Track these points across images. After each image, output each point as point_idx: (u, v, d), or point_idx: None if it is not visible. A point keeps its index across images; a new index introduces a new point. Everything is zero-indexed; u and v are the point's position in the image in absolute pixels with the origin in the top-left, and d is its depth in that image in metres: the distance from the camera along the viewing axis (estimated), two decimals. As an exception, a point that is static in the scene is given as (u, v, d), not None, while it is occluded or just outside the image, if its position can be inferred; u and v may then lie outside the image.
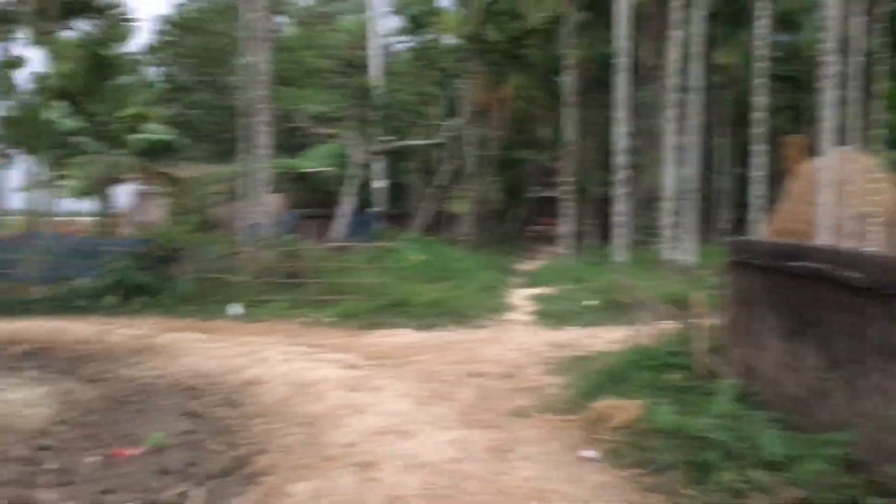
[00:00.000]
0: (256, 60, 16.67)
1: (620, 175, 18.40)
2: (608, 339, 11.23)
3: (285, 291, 14.98)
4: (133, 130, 17.22)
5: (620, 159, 18.42)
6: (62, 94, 16.13)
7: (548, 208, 40.29)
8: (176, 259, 15.75)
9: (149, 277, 15.38)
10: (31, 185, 27.83)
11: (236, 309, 14.54)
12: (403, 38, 27.89)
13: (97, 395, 8.15)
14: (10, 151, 24.53)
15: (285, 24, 41.81)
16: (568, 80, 19.99)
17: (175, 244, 15.72)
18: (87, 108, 16.19)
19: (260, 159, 16.61)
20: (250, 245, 16.25)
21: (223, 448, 6.35)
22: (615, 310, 13.65)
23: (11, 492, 5.38)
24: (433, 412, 7.47)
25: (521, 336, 11.91)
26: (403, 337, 11.98)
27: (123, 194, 36.50)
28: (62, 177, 33.79)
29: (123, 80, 16.41)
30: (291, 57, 23.91)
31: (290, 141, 34.39)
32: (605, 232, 28.57)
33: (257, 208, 17.05)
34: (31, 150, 22.43)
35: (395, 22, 31.55)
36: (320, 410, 7.49)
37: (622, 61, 18.52)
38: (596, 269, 19.40)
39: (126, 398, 8.07)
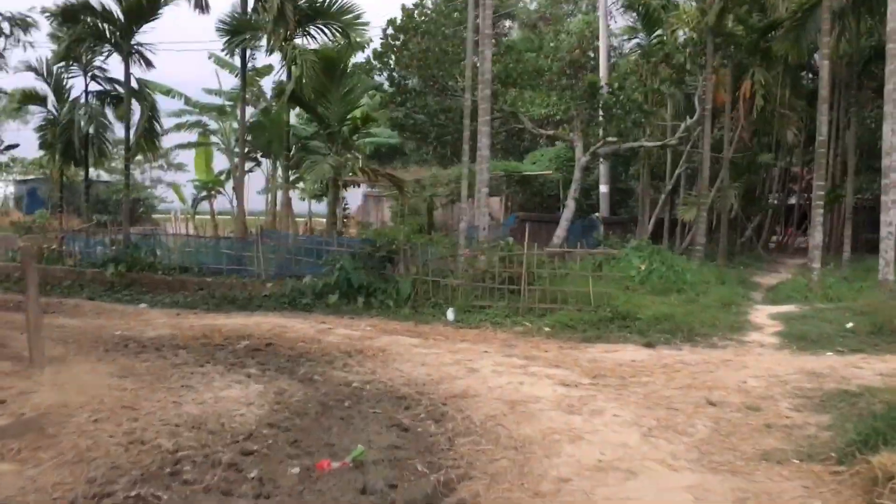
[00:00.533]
0: (482, 63, 16.37)
1: (889, 179, 15.83)
2: (880, 370, 9.43)
3: (502, 297, 14.47)
4: (359, 133, 17.65)
5: (890, 161, 15.85)
6: (296, 100, 16.89)
7: (791, 217, 36.80)
8: (395, 260, 15.82)
9: (370, 277, 15.57)
10: (270, 188, 30.11)
11: (452, 314, 14.27)
12: (633, 34, 26.51)
13: (308, 398, 8.02)
14: (254, 156, 26.58)
15: (511, 27, 42.03)
16: (823, 75, 17.61)
17: (396, 245, 15.79)
18: (319, 113, 16.78)
19: (481, 162, 16.27)
20: (468, 248, 15.95)
21: (427, 469, 5.81)
22: (885, 335, 11.58)
23: (213, 498, 5.20)
24: (663, 447, 6.45)
25: (766, 360, 10.36)
26: (627, 353, 10.91)
27: (353, 196, 38.85)
28: (298, 179, 36.34)
29: (353, 83, 16.80)
30: (517, 59, 23.59)
31: (515, 144, 34.37)
32: (864, 244, 25.27)
33: (478, 211, 16.75)
34: (272, 154, 24.09)
35: (624, 20, 30.27)
36: (533, 433, 6.74)
37: (893, 48, 15.93)
38: (855, 286, 16.91)
39: (336, 402, 7.86)
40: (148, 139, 20.87)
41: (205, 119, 27.87)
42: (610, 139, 21.69)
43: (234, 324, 13.48)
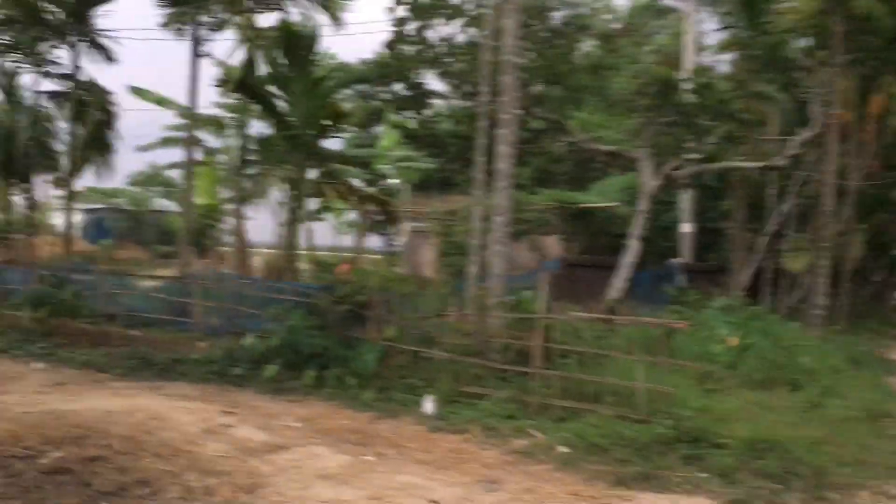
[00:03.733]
0: (505, 45, 11.79)
1: None
2: None
3: (505, 382, 9.68)
4: (329, 135, 13.17)
5: None
6: (247, 91, 12.58)
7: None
8: (367, 316, 11.24)
9: (326, 341, 11.06)
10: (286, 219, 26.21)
11: (431, 404, 9.57)
12: (728, 32, 21.27)
13: None
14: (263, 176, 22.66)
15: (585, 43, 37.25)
16: None
17: (365, 294, 11.22)
18: (277, 109, 12.49)
19: (500, 180, 11.60)
20: (470, 303, 11.23)
21: None
22: None
23: None
24: None
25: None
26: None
27: (402, 233, 34.56)
28: (325, 208, 32.33)
29: (326, 72, 12.53)
30: (583, 76, 19.13)
31: (579, 173, 29.39)
32: None
33: (491, 250, 11.99)
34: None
35: (716, 21, 25.15)
36: None
37: None
38: None
39: None
40: (93, 150, 17.18)
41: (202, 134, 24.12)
42: (690, 157, 16.60)
43: (95, 411, 9.14)
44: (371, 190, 14.71)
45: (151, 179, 49.02)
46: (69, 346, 14.23)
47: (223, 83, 12.16)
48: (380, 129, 35.28)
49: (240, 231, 24.78)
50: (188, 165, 23.89)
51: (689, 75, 17.47)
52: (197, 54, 13.65)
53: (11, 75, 17.55)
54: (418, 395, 10.00)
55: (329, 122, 11.99)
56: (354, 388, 10.50)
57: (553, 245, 24.87)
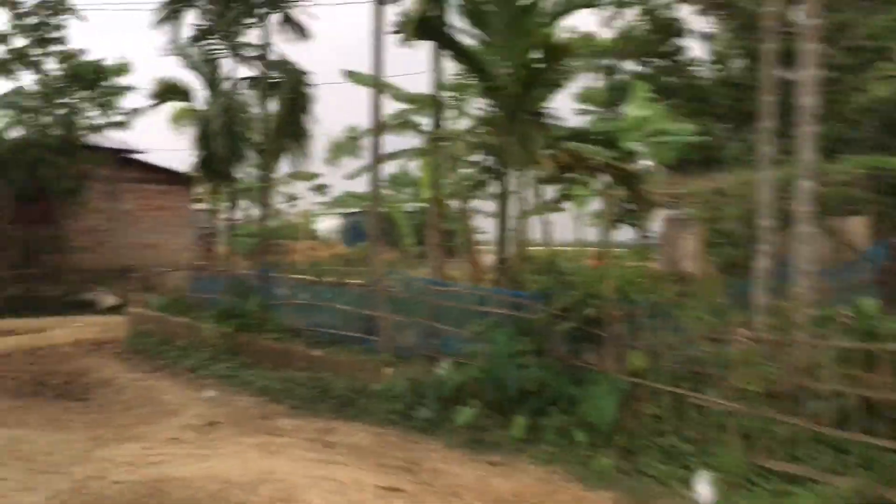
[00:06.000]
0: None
1: None
2: None
3: (842, 456, 5.76)
4: (545, 83, 9.64)
5: None
6: (431, 32, 9.48)
7: None
8: (602, 337, 7.77)
9: (542, 374, 7.76)
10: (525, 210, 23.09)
11: (707, 488, 5.94)
12: None
13: None
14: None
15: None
16: None
17: (597, 308, 7.74)
18: (471, 55, 9.34)
19: (803, 141, 7.60)
20: (765, 316, 7.32)
21: None
22: None
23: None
24: None
25: None
26: None
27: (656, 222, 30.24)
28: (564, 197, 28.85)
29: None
30: None
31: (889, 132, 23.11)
32: None
33: (797, 238, 7.93)
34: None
35: None
36: None
37: None
38: None
39: None
40: (288, 137, 15.25)
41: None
42: None
43: (209, 482, 6.61)
44: (618, 164, 11.07)
45: (400, 180, 49.01)
46: (253, 365, 12.37)
47: (402, 26, 9.42)
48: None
49: (467, 227, 22.25)
50: (420, 155, 21.51)
51: None
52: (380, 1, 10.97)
53: (212, 62, 16.29)
54: (686, 469, 6.38)
55: (541, 61, 8.66)
56: (584, 448, 7.10)
57: (858, 228, 19.46)
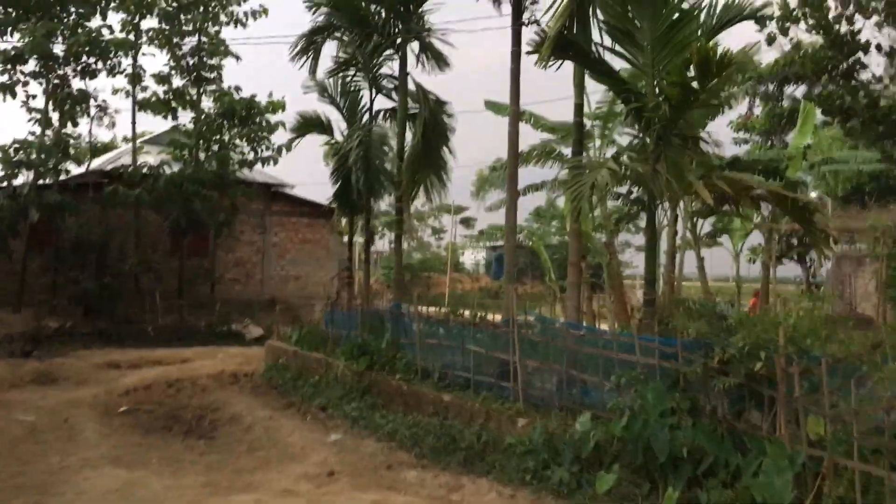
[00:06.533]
0: None
1: None
2: None
3: None
4: (697, 101, 8.47)
5: None
6: (568, 50, 8.57)
7: None
8: (771, 396, 6.58)
9: (701, 437, 6.66)
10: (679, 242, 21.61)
11: None
12: None
13: None
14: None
15: None
16: None
17: (766, 360, 6.56)
18: (615, 75, 8.41)
19: None
20: None
21: None
22: None
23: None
24: None
25: None
26: None
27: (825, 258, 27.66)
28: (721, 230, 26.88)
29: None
30: None
31: None
32: None
33: None
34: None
35: None
36: None
37: None
38: None
39: None
40: (426, 168, 14.75)
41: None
42: None
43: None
44: (787, 192, 9.77)
45: (546, 212, 48.27)
46: (383, 406, 11.81)
47: (539, 45, 8.64)
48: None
49: (614, 262, 21.09)
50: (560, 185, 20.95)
51: None
52: (518, 16, 10.17)
53: (350, 94, 16.18)
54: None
55: (695, 79, 7.63)
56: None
57: None
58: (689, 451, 6.65)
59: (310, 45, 15.07)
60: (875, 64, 15.36)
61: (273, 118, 24.10)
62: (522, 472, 8.00)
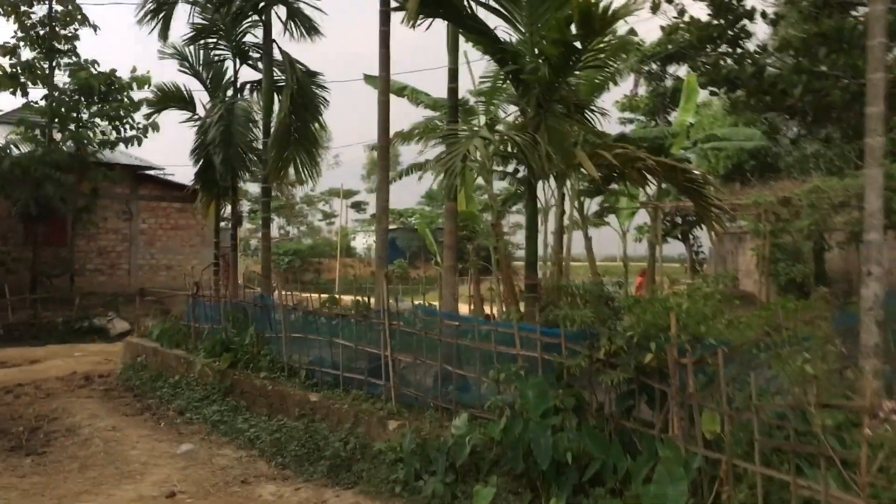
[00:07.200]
0: None
1: None
2: None
3: None
4: (578, 61, 7.72)
5: None
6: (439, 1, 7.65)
7: None
8: (662, 391, 5.87)
9: (581, 439, 5.87)
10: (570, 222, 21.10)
11: None
12: None
13: None
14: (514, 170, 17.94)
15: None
16: None
17: (655, 352, 5.85)
18: (486, 32, 7.50)
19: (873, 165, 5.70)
20: (870, 360, 5.37)
21: None
22: None
23: None
24: None
25: None
26: None
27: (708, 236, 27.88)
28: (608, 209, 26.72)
29: None
30: None
31: None
32: None
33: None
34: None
35: None
36: None
37: None
38: None
39: None
40: (294, 145, 13.59)
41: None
42: None
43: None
44: (680, 165, 9.15)
45: (437, 194, 47.67)
46: (247, 409, 10.65)
47: (406, 0, 7.66)
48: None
49: (502, 244, 20.38)
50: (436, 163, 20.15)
51: None
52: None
53: (212, 65, 14.74)
54: None
55: (578, 38, 6.82)
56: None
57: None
58: (574, 455, 5.86)
59: (159, 6, 13.57)
60: (761, 32, 15.17)
61: (138, 95, 22.17)
62: (392, 482, 7.08)
